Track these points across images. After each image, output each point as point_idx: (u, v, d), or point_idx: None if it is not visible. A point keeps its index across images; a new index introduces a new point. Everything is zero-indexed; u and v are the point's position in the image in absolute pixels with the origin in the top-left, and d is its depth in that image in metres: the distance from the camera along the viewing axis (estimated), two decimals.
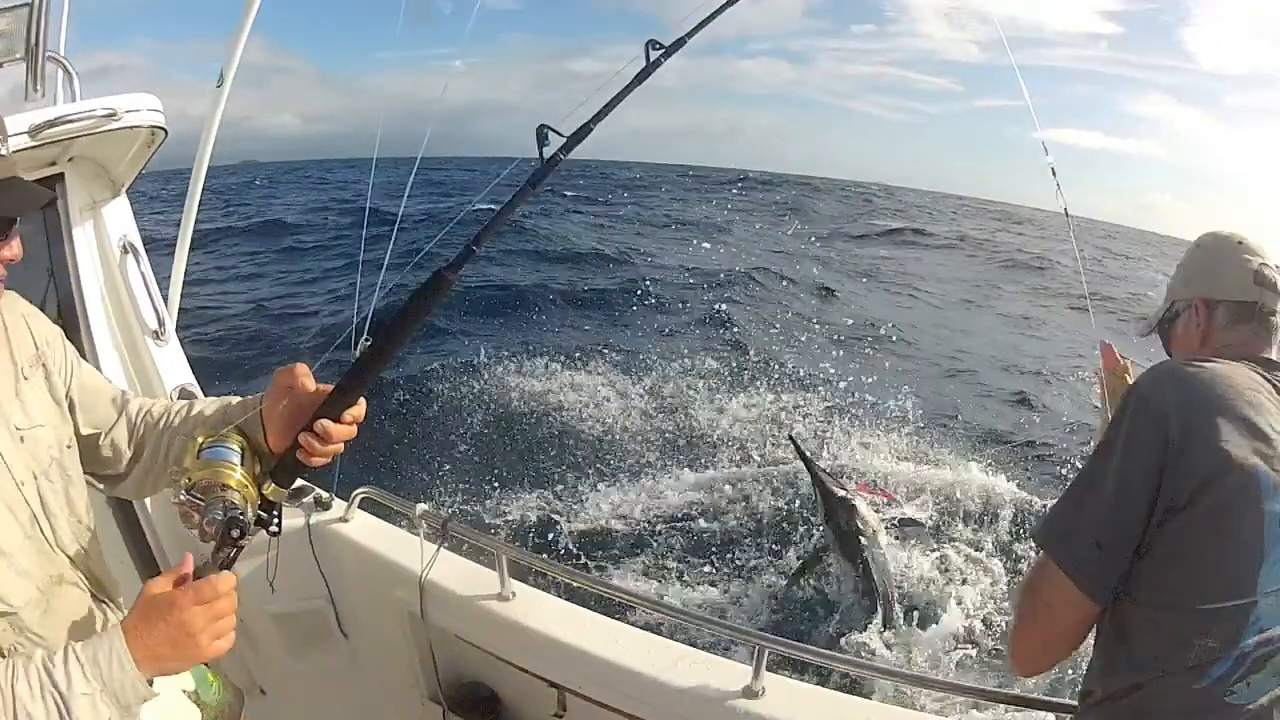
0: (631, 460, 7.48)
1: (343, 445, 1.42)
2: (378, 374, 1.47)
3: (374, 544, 2.67)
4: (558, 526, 6.26)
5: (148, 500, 2.58)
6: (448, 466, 7.11)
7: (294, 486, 2.36)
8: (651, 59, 1.77)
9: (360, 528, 2.73)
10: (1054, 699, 1.93)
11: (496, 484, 6.85)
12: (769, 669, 2.08)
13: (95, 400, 1.52)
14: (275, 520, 1.44)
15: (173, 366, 2.81)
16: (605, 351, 10.34)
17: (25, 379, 1.38)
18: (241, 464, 1.36)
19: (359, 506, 2.76)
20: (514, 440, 7.86)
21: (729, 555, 5.99)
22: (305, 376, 1.42)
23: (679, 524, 6.38)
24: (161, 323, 2.81)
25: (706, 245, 18.60)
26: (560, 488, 6.89)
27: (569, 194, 28.09)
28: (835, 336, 12.18)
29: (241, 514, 1.31)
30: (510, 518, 6.33)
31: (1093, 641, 1.41)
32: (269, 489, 1.41)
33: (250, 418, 1.44)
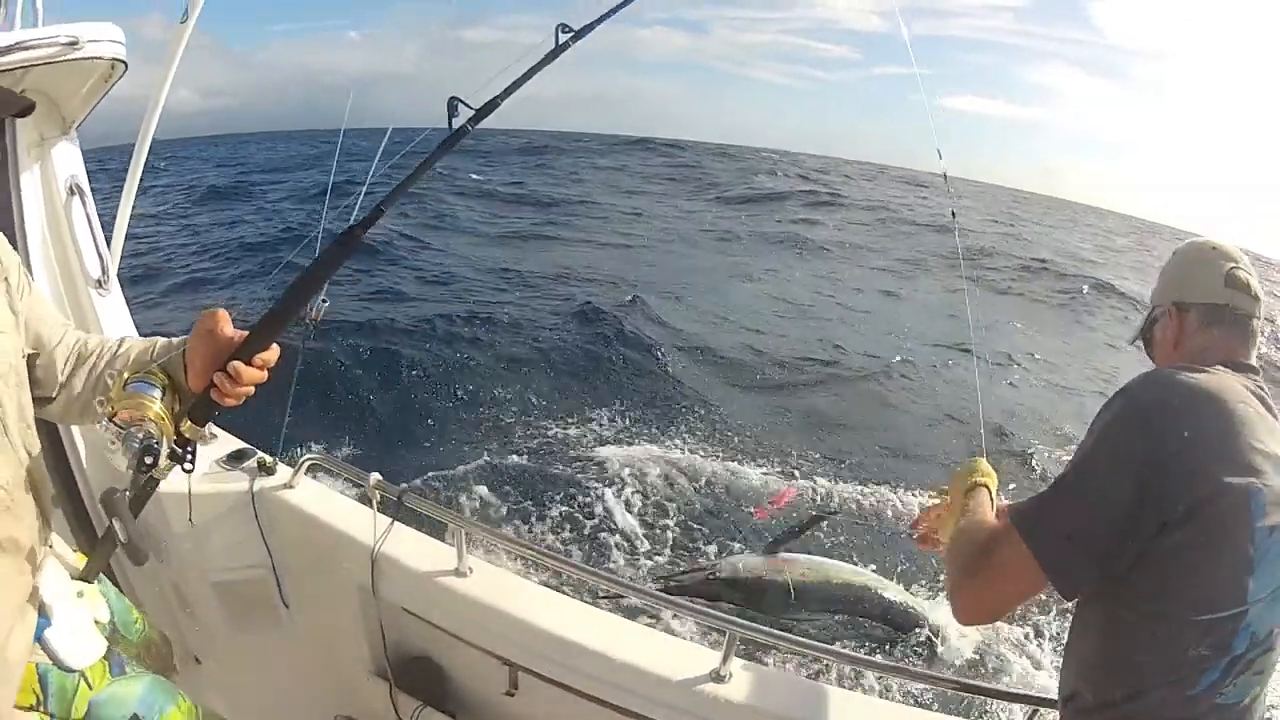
0: (594, 437, 7.46)
1: (253, 388, 1.50)
2: (288, 322, 1.55)
3: (321, 513, 2.58)
4: (516, 503, 6.18)
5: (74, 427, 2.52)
6: (396, 436, 7.04)
7: (236, 450, 2.35)
8: (560, 41, 1.88)
9: (306, 496, 2.64)
10: (1033, 694, 1.95)
11: (450, 456, 6.75)
12: (743, 656, 2.07)
13: (40, 323, 1.56)
14: (189, 456, 1.54)
15: (114, 318, 2.67)
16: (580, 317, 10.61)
17: None
18: (161, 399, 1.48)
19: (306, 473, 2.67)
20: (467, 410, 7.83)
21: (698, 538, 5.99)
22: (224, 322, 1.50)
23: (650, 502, 6.37)
24: (105, 271, 2.67)
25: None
26: (522, 466, 6.82)
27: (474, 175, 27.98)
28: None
29: (156, 443, 1.45)
30: (466, 491, 6.20)
31: (1066, 642, 1.45)
32: (186, 426, 1.51)
33: (173, 358, 1.54)
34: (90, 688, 1.54)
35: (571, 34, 1.88)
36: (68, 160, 2.60)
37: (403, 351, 8.90)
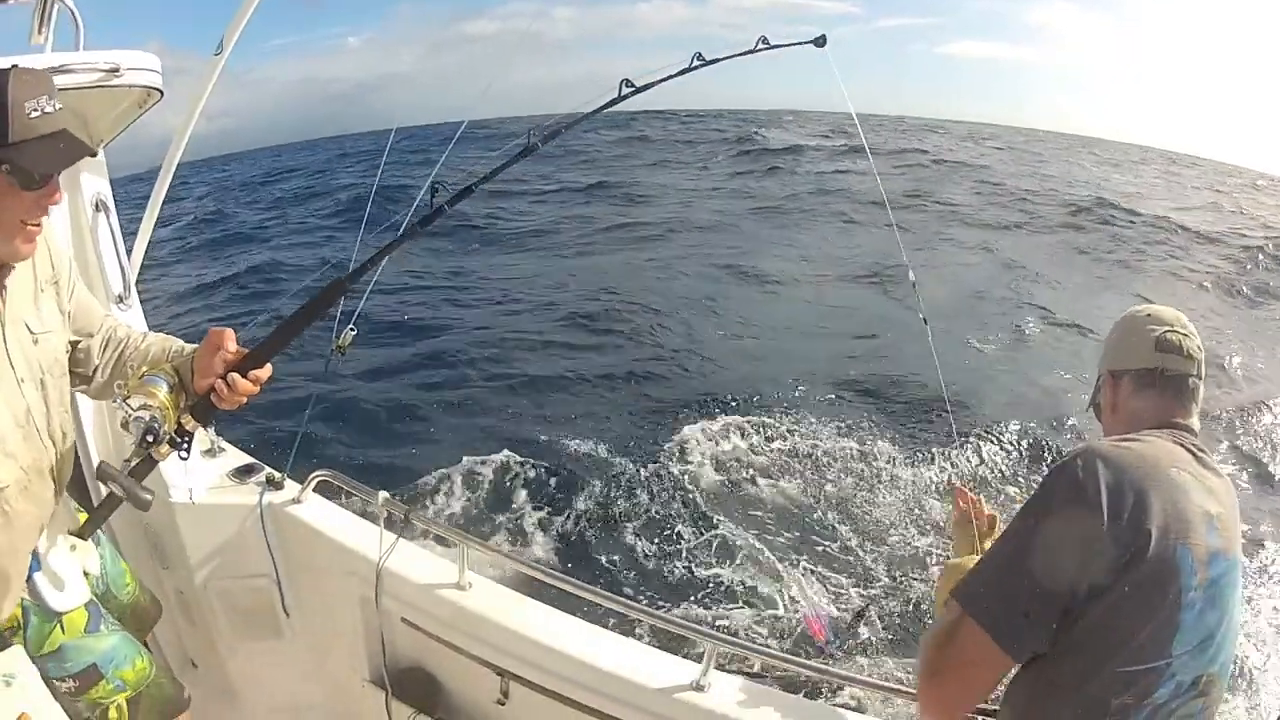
0: (603, 457, 7.53)
1: (245, 398, 1.79)
2: (279, 350, 1.82)
3: (327, 528, 2.70)
4: (519, 518, 6.33)
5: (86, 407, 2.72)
6: (406, 450, 7.15)
7: (245, 464, 2.52)
8: (529, 142, 2.07)
9: (313, 510, 2.76)
10: None
11: (459, 473, 6.87)
12: (720, 669, 2.20)
13: (85, 315, 1.86)
14: (185, 445, 1.82)
15: None
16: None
17: (42, 291, 1.71)
18: (169, 392, 1.77)
19: (315, 490, 2.78)
20: (479, 423, 7.99)
21: (695, 554, 6.12)
22: (230, 339, 1.79)
23: (650, 519, 6.52)
24: (127, 286, 2.77)
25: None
26: (526, 479, 6.95)
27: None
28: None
29: (159, 425, 1.73)
30: (466, 507, 6.35)
31: (1004, 693, 1.48)
32: (187, 420, 1.80)
33: (184, 361, 1.84)
34: (63, 632, 1.81)
35: (536, 141, 2.09)
36: (95, 178, 2.69)
37: (420, 369, 9.17)
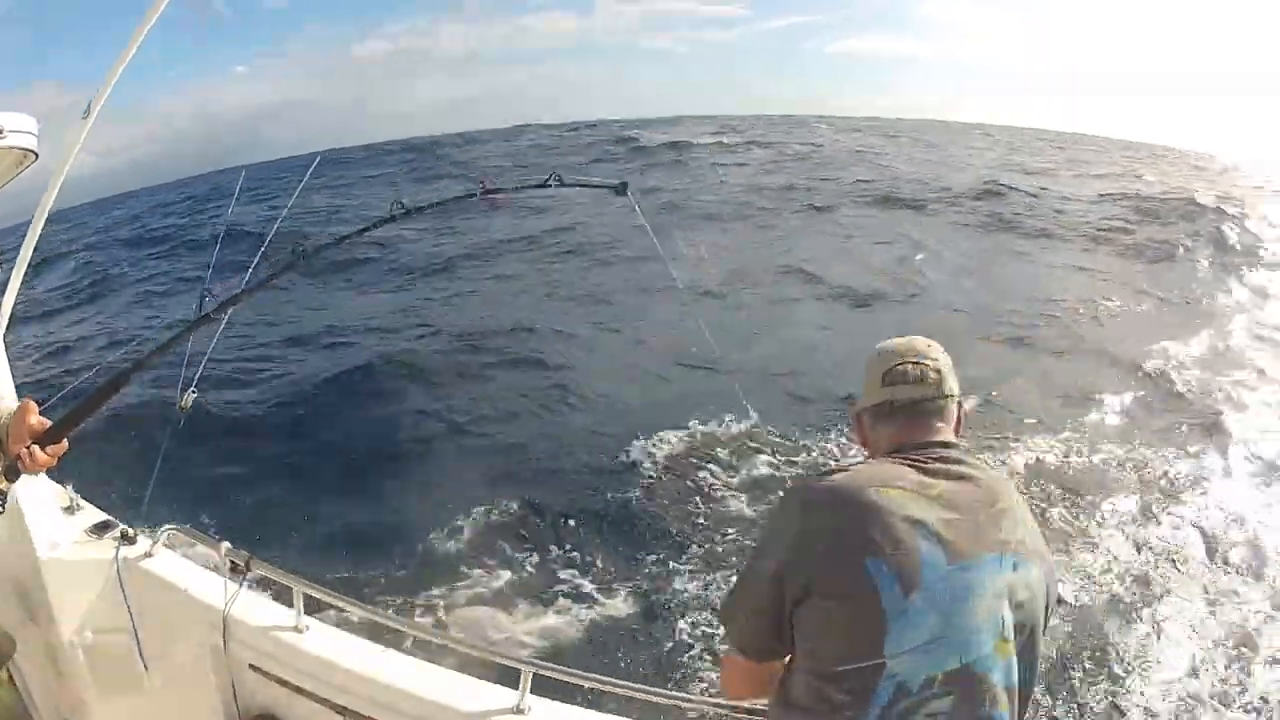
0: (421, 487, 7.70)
1: (44, 469, 1.93)
2: (75, 427, 1.95)
3: (178, 579, 2.81)
4: (356, 557, 6.44)
5: None
6: (254, 498, 7.31)
7: (102, 521, 2.64)
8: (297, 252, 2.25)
9: (164, 563, 2.86)
10: None
11: (308, 518, 7.04)
12: (538, 692, 2.37)
13: None
14: (1, 504, 1.92)
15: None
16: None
17: None
18: None
19: (165, 543, 2.89)
20: (322, 472, 8.07)
21: (513, 580, 6.24)
22: (32, 412, 1.92)
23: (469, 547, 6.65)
24: None
25: None
26: (361, 518, 7.10)
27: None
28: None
29: None
30: (315, 549, 6.48)
31: None
32: (1, 483, 1.92)
33: (3, 425, 1.97)
34: None
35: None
36: None
37: (269, 419, 9.23)
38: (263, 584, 2.81)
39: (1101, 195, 26.51)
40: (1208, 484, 8.01)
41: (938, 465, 1.54)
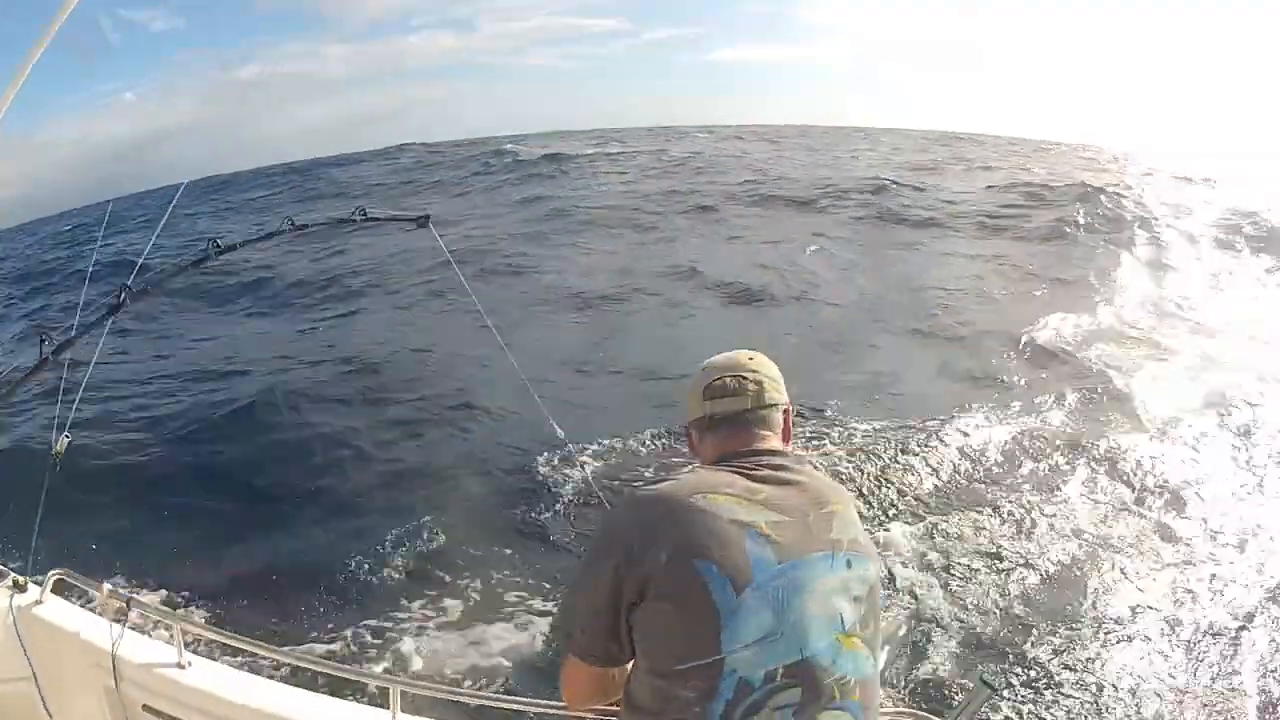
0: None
1: None
2: None
3: (69, 624, 2.88)
4: (237, 589, 6.36)
5: None
6: (150, 536, 7.18)
7: None
8: (119, 301, 2.38)
9: (55, 609, 2.93)
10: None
11: (190, 552, 6.90)
12: (410, 711, 2.51)
13: None
14: None
15: None
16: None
17: None
18: None
19: (53, 590, 2.95)
20: (211, 505, 7.91)
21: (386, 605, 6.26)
22: None
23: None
24: None
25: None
26: (246, 553, 7.01)
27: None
28: None
29: None
30: (197, 586, 6.31)
31: None
32: None
33: None
34: None
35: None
36: None
37: (157, 455, 9.04)
38: (154, 624, 2.88)
39: (989, 186, 27.86)
40: (1107, 446, 8.70)
41: (765, 472, 1.61)
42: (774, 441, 1.72)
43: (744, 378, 1.75)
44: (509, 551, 6.86)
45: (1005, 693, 5.08)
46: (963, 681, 5.23)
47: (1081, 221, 20.39)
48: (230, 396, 10.76)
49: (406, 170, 43.41)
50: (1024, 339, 12.12)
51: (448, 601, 6.20)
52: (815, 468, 1.80)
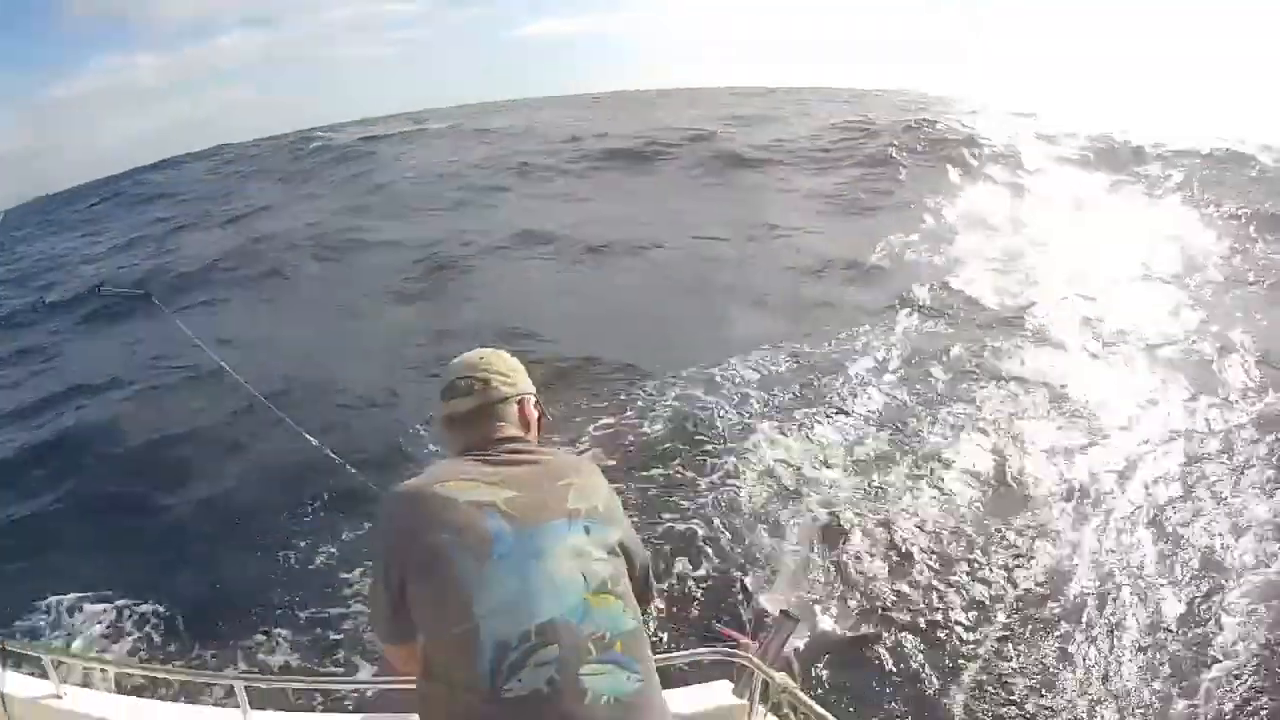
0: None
1: None
2: None
3: None
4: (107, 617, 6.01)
5: None
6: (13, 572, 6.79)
7: None
8: None
9: None
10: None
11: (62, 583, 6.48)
12: (259, 706, 2.73)
13: None
14: None
15: None
16: None
17: None
18: None
19: None
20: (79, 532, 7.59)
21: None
22: None
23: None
24: None
25: None
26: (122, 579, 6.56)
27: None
28: None
29: None
30: (72, 618, 5.85)
31: None
32: None
33: None
34: None
35: None
36: None
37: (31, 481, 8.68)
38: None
39: (818, 130, 28.63)
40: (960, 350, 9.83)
41: (505, 456, 1.80)
42: (513, 429, 1.91)
43: (474, 377, 1.93)
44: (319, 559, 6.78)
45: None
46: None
47: (911, 154, 21.74)
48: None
49: (226, 164, 42.37)
50: (863, 261, 13.24)
51: (286, 599, 6.12)
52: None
